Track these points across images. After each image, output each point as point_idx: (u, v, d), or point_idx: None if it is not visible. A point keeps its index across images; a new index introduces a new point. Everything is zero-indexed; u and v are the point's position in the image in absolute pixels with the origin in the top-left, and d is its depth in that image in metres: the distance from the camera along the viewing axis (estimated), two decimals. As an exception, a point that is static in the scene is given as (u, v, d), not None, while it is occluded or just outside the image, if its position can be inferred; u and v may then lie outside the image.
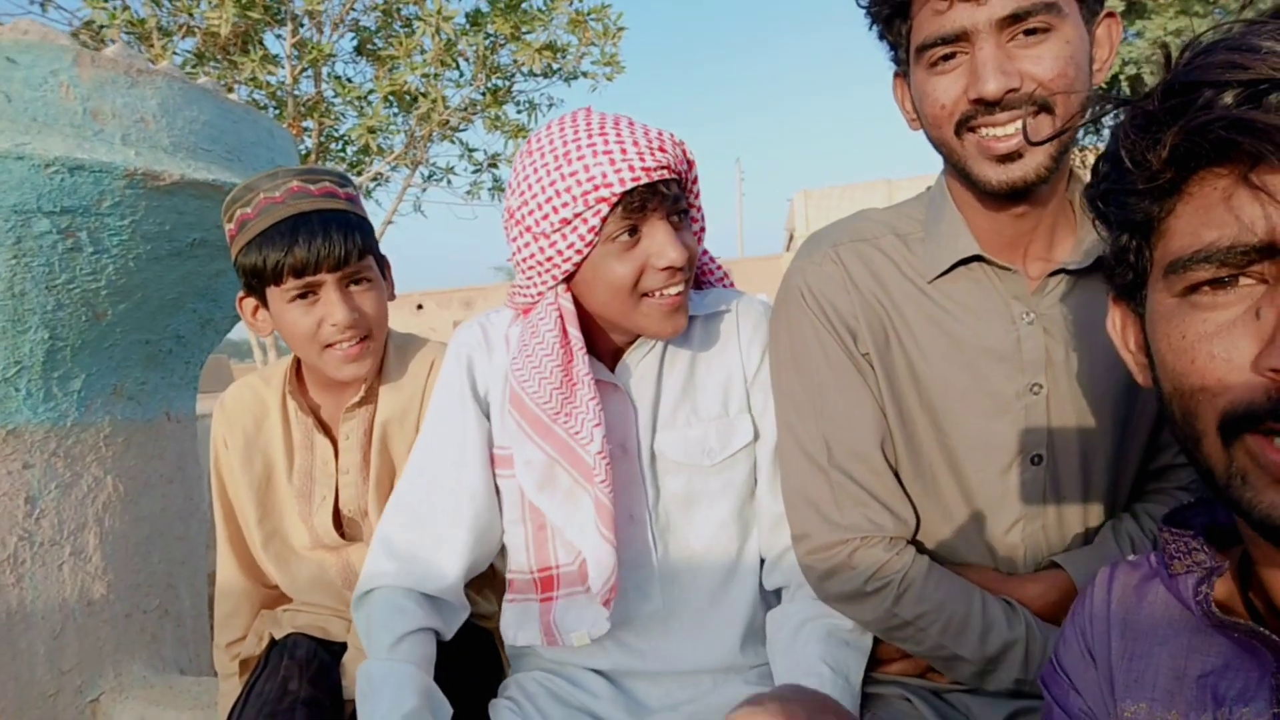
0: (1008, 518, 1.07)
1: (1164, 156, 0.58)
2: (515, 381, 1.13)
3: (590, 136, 1.04)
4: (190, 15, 6.19)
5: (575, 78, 7.76)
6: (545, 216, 1.06)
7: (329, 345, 1.30)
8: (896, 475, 1.11)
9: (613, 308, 1.10)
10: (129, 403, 1.95)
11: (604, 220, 1.04)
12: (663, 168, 1.04)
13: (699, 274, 1.28)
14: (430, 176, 8.53)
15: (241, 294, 1.36)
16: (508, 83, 7.67)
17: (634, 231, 1.06)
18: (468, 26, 7.05)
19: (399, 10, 7.30)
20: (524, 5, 7.00)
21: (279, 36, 6.95)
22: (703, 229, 1.19)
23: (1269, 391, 0.53)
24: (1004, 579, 1.08)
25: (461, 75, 7.50)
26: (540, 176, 1.06)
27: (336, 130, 7.82)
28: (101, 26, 6.10)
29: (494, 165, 8.33)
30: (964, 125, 0.97)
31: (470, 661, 1.37)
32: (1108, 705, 0.71)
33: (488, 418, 1.21)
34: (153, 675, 1.95)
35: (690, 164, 1.12)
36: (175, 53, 6.52)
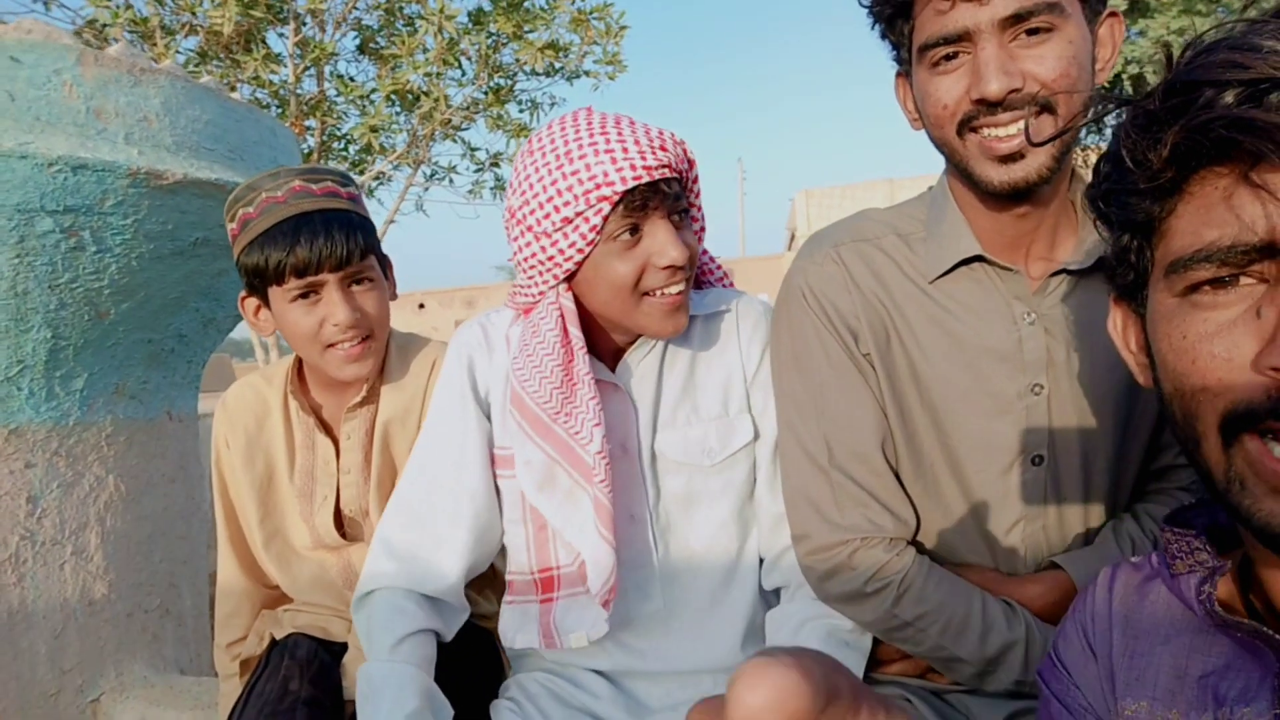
0: (1008, 518, 1.07)
1: (1165, 155, 0.58)
2: (516, 381, 1.13)
3: (592, 135, 1.04)
4: (193, 14, 6.19)
5: (577, 77, 7.76)
6: (547, 215, 1.06)
7: (331, 345, 1.30)
8: (897, 476, 1.11)
9: (614, 307, 1.10)
10: (131, 402, 1.95)
11: (605, 219, 1.04)
12: (664, 166, 1.04)
13: (699, 274, 1.28)
14: (432, 175, 8.53)
15: (243, 294, 1.36)
16: (510, 82, 7.67)
17: (635, 230, 1.06)
18: (470, 25, 7.06)
19: (401, 9, 7.30)
20: (526, 4, 7.01)
21: (282, 35, 6.96)
22: (703, 228, 1.19)
23: (1269, 391, 0.53)
24: (1004, 579, 1.07)
25: (464, 74, 7.50)
26: (542, 175, 1.06)
27: (339, 129, 7.83)
28: (104, 25, 6.11)
29: (496, 164, 8.34)
30: (966, 125, 0.97)
31: (471, 662, 1.37)
32: (1108, 702, 0.71)
33: (488, 418, 1.21)
34: (154, 675, 1.96)
35: (691, 163, 1.12)
36: (178, 51, 6.53)
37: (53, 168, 1.56)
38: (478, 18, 7.09)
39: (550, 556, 1.18)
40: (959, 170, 1.02)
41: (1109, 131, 0.68)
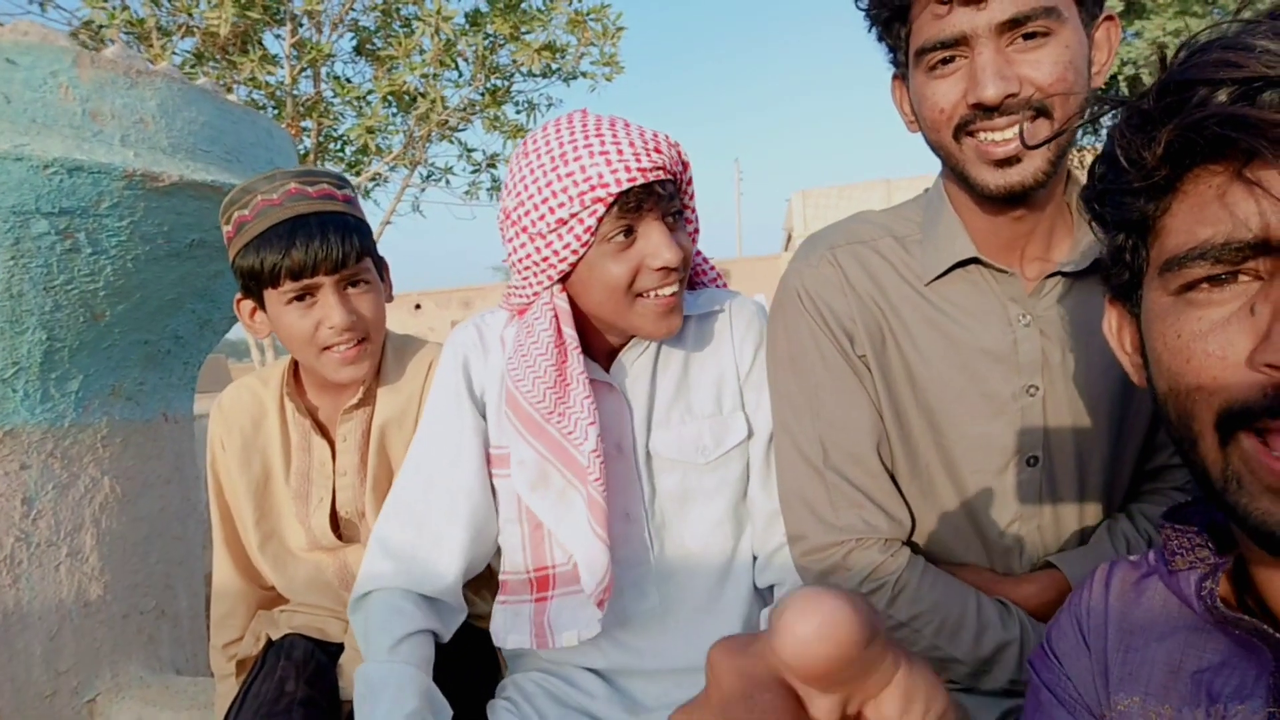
0: (1004, 518, 1.07)
1: (1159, 154, 0.59)
2: (510, 381, 1.13)
3: (586, 137, 1.05)
4: (189, 15, 6.18)
5: (574, 78, 7.75)
6: (541, 217, 1.06)
7: (327, 347, 1.30)
8: (892, 476, 1.11)
9: (608, 308, 1.10)
10: (127, 403, 1.95)
11: (600, 220, 1.04)
12: (658, 168, 1.04)
13: (692, 274, 1.29)
14: (429, 177, 8.51)
15: (239, 296, 1.36)
16: (507, 83, 7.66)
17: (629, 232, 1.06)
18: (467, 27, 7.05)
19: (398, 10, 7.29)
20: (523, 5, 7.00)
21: (278, 36, 6.95)
22: (697, 230, 1.19)
23: (1264, 388, 0.53)
24: (999, 579, 1.08)
25: (460, 75, 7.49)
26: (537, 177, 1.06)
27: (335, 130, 7.81)
28: (101, 26, 6.09)
29: (492, 165, 8.32)
30: (962, 129, 0.97)
31: (468, 662, 1.37)
32: (1100, 695, 0.71)
33: (484, 417, 1.21)
34: (149, 675, 1.95)
35: (685, 165, 1.12)
36: (174, 53, 6.52)
37: (48, 169, 1.56)
38: (475, 19, 7.09)
39: (546, 555, 1.18)
40: (955, 173, 1.02)
41: (1105, 133, 0.68)
